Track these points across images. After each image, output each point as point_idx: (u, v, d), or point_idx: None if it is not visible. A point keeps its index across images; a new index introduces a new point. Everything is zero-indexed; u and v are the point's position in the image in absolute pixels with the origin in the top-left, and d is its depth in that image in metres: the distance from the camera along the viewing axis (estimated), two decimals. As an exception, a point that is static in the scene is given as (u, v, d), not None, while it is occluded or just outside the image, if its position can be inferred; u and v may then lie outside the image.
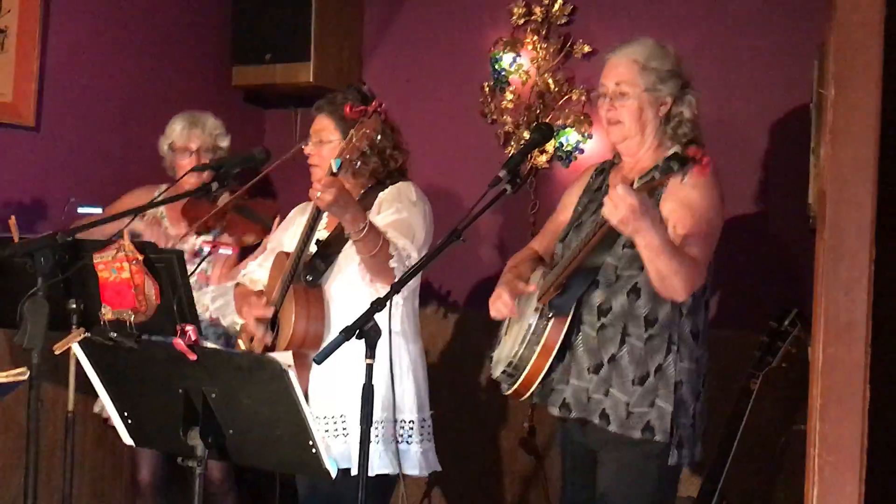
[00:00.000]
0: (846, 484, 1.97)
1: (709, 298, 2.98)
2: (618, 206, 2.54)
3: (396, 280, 2.74)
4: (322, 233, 3.27)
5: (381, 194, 3.24)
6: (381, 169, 3.25)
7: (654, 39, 2.98)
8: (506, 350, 3.00)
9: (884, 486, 2.13)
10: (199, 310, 3.47)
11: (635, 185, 2.60)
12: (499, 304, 2.96)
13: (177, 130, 4.04)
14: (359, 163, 3.06)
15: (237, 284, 3.45)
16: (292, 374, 2.23)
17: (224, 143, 4.07)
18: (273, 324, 3.22)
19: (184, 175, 3.66)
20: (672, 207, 2.80)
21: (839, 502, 1.98)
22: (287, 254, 3.27)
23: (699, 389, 2.91)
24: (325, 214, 3.21)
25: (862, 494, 1.90)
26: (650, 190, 2.63)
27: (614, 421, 2.83)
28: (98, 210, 3.53)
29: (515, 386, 2.93)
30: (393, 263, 3.01)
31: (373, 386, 2.51)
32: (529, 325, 2.90)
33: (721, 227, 2.87)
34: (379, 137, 3.08)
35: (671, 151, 2.71)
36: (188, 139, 4.01)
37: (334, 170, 2.95)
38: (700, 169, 2.53)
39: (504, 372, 2.95)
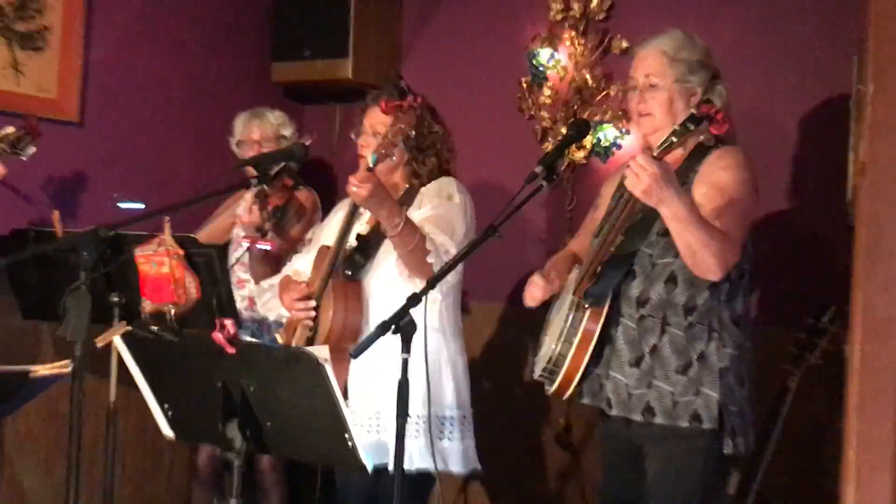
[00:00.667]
0: (882, 483, 1.95)
1: (748, 286, 2.95)
2: (640, 176, 2.53)
3: (431, 276, 2.74)
4: (363, 227, 3.28)
5: (422, 190, 3.25)
6: (436, 169, 3.27)
7: (682, 31, 2.96)
8: (545, 349, 2.99)
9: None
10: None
11: (655, 153, 2.59)
12: (531, 288, 2.95)
13: (239, 126, 4.15)
14: (393, 157, 3.07)
15: (283, 277, 3.46)
16: (328, 368, 2.24)
17: (287, 131, 4.13)
18: (314, 318, 3.24)
19: (219, 174, 3.69)
20: (704, 191, 2.79)
21: (875, 502, 1.96)
22: (328, 248, 3.28)
23: (744, 377, 2.87)
24: (365, 210, 3.22)
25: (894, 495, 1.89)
26: (683, 165, 2.62)
27: (660, 413, 2.80)
28: (140, 206, 3.57)
29: (557, 382, 2.89)
30: (431, 259, 3.02)
31: (408, 381, 2.51)
32: (566, 319, 2.88)
33: (755, 206, 2.85)
34: (413, 132, 3.09)
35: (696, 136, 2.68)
36: (250, 131, 4.10)
37: (370, 164, 2.96)
38: (715, 125, 2.52)
39: (545, 370, 2.92)
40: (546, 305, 3.05)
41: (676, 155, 2.63)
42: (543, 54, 4.36)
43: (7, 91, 3.95)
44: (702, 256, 2.64)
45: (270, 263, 3.64)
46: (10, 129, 3.18)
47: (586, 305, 2.84)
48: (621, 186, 3.07)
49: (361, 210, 3.24)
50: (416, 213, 3.14)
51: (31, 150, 3.23)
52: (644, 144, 3.07)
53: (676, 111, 2.89)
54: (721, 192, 2.77)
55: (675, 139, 2.56)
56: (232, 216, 4.03)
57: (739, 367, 2.86)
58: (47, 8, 4.07)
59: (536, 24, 4.44)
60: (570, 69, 4.33)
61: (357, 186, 2.89)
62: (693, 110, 2.65)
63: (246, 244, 3.59)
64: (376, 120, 3.23)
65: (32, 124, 3.22)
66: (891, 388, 2.00)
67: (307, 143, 3.47)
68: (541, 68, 4.38)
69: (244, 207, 3.57)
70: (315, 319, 3.21)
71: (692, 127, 2.54)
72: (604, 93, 4.27)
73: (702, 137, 2.69)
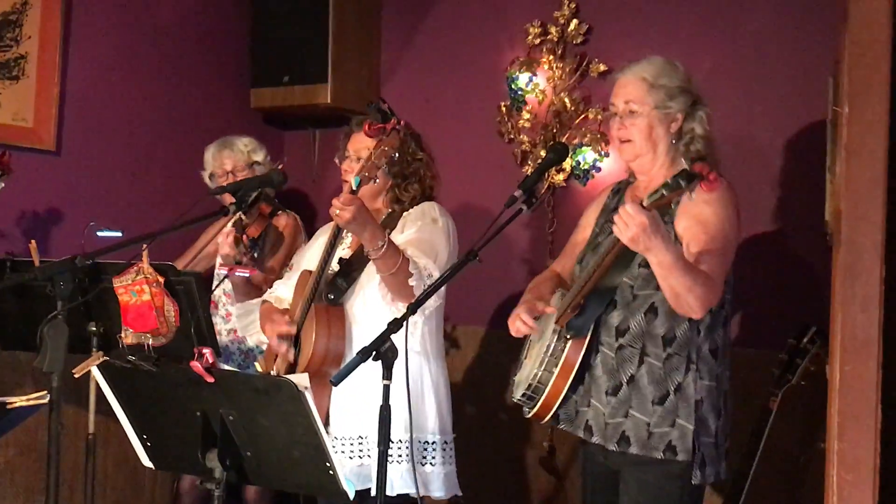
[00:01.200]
0: (864, 502, 1.96)
1: (728, 315, 2.96)
2: (628, 225, 2.54)
3: (414, 300, 2.75)
4: (345, 251, 3.29)
5: (405, 214, 3.26)
6: (419, 195, 3.27)
7: (663, 57, 2.97)
8: (525, 373, 2.99)
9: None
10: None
11: (645, 203, 2.60)
12: (518, 323, 2.94)
13: (209, 158, 4.12)
14: (376, 179, 3.07)
15: (263, 302, 3.46)
16: (308, 396, 2.24)
17: (259, 156, 4.09)
18: (296, 342, 3.23)
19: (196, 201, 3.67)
20: (686, 225, 2.80)
21: (858, 522, 1.97)
22: (310, 272, 3.27)
23: (720, 407, 2.89)
24: (348, 233, 3.22)
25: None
26: (661, 207, 2.63)
27: (635, 442, 2.81)
28: (118, 234, 3.55)
29: (536, 408, 2.91)
30: (413, 282, 3.02)
31: (390, 407, 2.51)
32: (548, 347, 2.89)
33: (737, 241, 2.86)
34: (397, 155, 3.10)
35: (680, 168, 2.70)
36: (221, 162, 4.07)
37: (353, 187, 2.97)
38: (707, 185, 2.53)
39: (524, 395, 2.93)
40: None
41: (659, 205, 2.64)
42: (522, 78, 4.38)
43: (-17, 120, 3.95)
44: (685, 299, 2.66)
45: (253, 291, 3.63)
46: None
47: (568, 336, 2.86)
48: (607, 211, 3.09)
49: (344, 234, 3.24)
50: (400, 237, 3.15)
51: (0, 185, 3.21)
52: (626, 170, 3.08)
53: (656, 137, 2.90)
54: (704, 228, 2.77)
55: (665, 192, 2.57)
56: (214, 244, 4.02)
57: (716, 398, 2.87)
58: (24, 37, 4.07)
59: (515, 48, 4.46)
60: (549, 93, 4.35)
61: (340, 209, 2.90)
62: (687, 167, 2.67)
63: (224, 272, 3.58)
64: (360, 144, 3.24)
65: (4, 161, 3.20)
66: (871, 408, 2.00)
67: (280, 166, 3.47)
68: (519, 92, 4.40)
69: (223, 237, 3.56)
70: (297, 345, 3.20)
71: (683, 184, 2.55)
72: (582, 116, 4.28)
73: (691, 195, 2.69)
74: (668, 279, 2.63)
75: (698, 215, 2.80)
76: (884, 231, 1.90)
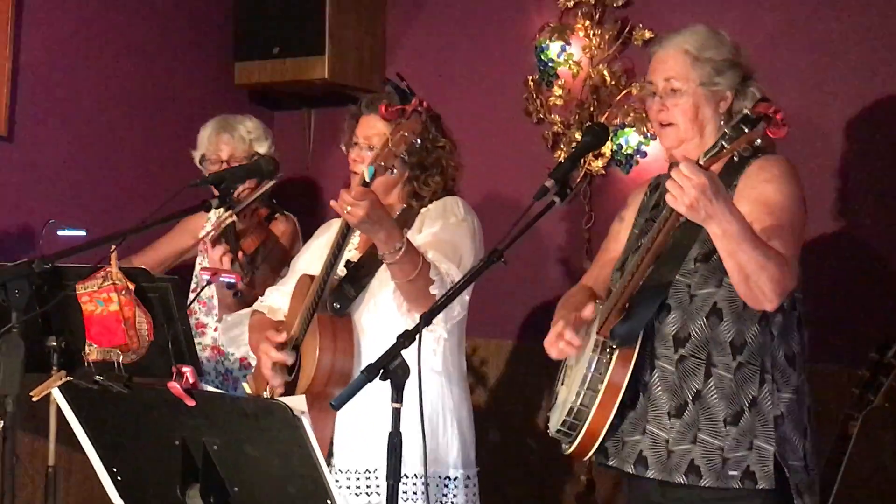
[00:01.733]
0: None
1: (801, 316, 2.93)
2: (684, 189, 2.50)
3: (427, 310, 2.73)
4: (353, 253, 3.29)
5: (423, 210, 3.25)
6: (441, 188, 3.28)
7: (706, 26, 2.97)
8: (562, 400, 2.96)
9: None
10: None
11: (702, 161, 2.56)
12: (561, 344, 2.87)
13: (204, 139, 4.10)
14: (393, 170, 3.04)
15: (254, 312, 3.46)
16: (306, 422, 2.24)
17: (262, 147, 4.07)
18: (295, 359, 3.22)
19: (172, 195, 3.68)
20: (747, 209, 2.75)
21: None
22: (312, 277, 3.26)
23: (805, 424, 2.85)
24: (356, 232, 3.22)
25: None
26: (722, 173, 2.62)
27: (707, 473, 2.76)
28: (81, 233, 3.56)
29: (577, 442, 2.83)
30: (434, 290, 2.99)
31: (401, 434, 2.50)
32: (589, 365, 2.85)
33: (805, 221, 2.84)
34: (419, 141, 3.08)
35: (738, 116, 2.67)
36: (217, 148, 4.05)
37: (367, 178, 2.94)
38: (774, 127, 2.51)
39: (563, 424, 2.88)
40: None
41: (719, 162, 2.62)
42: (553, 48, 4.38)
43: (-75, 102, 3.98)
44: (757, 281, 2.61)
45: (238, 303, 3.65)
46: None
47: (613, 346, 2.82)
48: (647, 208, 3.08)
49: (352, 233, 3.24)
50: (418, 237, 3.15)
51: None
52: (667, 159, 3.07)
53: (704, 119, 2.89)
54: (768, 208, 2.75)
55: (725, 144, 2.53)
56: (184, 239, 4.02)
57: (798, 414, 2.84)
58: (-30, 6, 4.10)
59: (544, 12, 4.47)
60: (585, 65, 4.36)
61: (352, 204, 2.87)
62: (747, 111, 2.64)
63: (206, 276, 3.59)
64: (372, 130, 3.24)
65: None
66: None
67: (269, 183, 3.47)
68: (550, 64, 4.40)
69: (214, 254, 3.57)
70: (296, 363, 3.20)
71: (746, 129, 2.53)
72: (625, 92, 4.29)
73: (758, 142, 2.67)
74: (736, 254, 2.59)
75: (759, 195, 2.78)
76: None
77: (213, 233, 3.62)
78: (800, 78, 3.80)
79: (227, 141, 4.04)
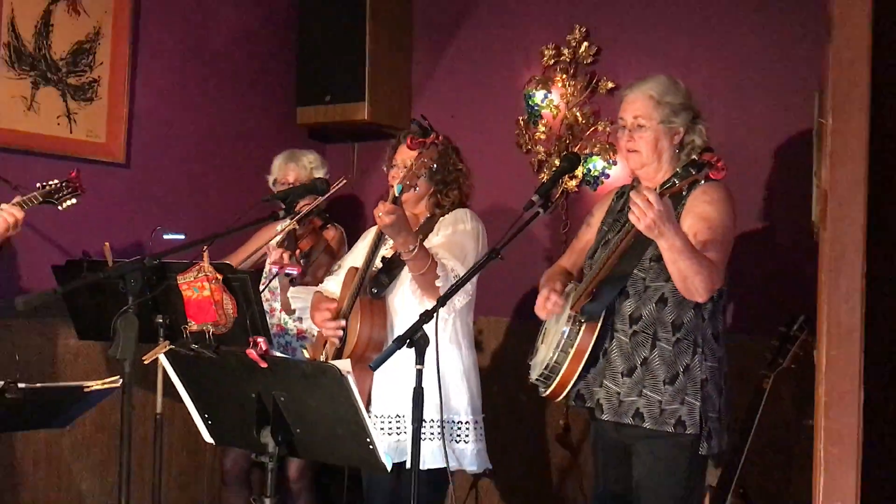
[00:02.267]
0: (848, 475, 1.95)
1: (725, 304, 2.96)
2: (645, 213, 2.53)
3: (440, 296, 2.75)
4: (388, 251, 3.29)
5: (441, 218, 3.27)
6: (457, 201, 3.29)
7: (667, 76, 2.97)
8: (541, 356, 3.00)
9: (880, 478, 2.11)
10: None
11: (658, 191, 2.59)
12: (549, 305, 2.94)
13: (276, 167, 4.12)
14: (416, 188, 3.08)
15: (315, 294, 3.46)
16: (351, 380, 2.25)
17: (319, 173, 4.05)
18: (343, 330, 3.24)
19: (249, 207, 3.68)
20: (691, 222, 2.80)
21: (842, 492, 1.96)
22: (356, 269, 3.29)
23: (722, 385, 2.88)
24: None
25: (859, 485, 1.88)
26: (673, 196, 2.63)
27: (648, 418, 2.81)
28: (181, 237, 3.57)
29: (551, 388, 2.92)
30: (439, 283, 3.02)
31: (423, 389, 2.52)
32: (563, 332, 2.89)
33: (734, 235, 2.85)
34: (435, 166, 3.11)
35: (687, 160, 2.70)
36: (285, 173, 4.07)
37: (396, 194, 2.98)
38: (716, 172, 2.53)
39: (541, 375, 2.95)
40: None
41: (671, 193, 2.64)
42: (538, 95, 4.37)
43: (62, 137, 3.98)
44: (692, 282, 2.66)
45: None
46: (53, 182, 3.19)
47: (583, 320, 2.85)
48: (612, 212, 3.09)
49: (385, 237, 3.26)
50: (434, 239, 3.16)
51: (70, 202, 3.23)
52: (631, 177, 3.08)
53: (661, 148, 2.90)
54: (707, 223, 2.78)
55: (677, 181, 2.58)
56: (264, 247, 4.03)
57: (718, 378, 2.87)
58: (97, 63, 4.11)
59: (531, 68, 4.46)
60: (562, 108, 4.34)
61: (383, 213, 2.92)
62: (695, 157, 2.67)
63: (275, 269, 3.61)
64: (405, 155, 3.25)
65: (76, 181, 3.23)
66: (855, 389, 1.99)
67: (342, 183, 3.47)
68: (536, 108, 4.39)
69: (275, 254, 3.58)
70: (344, 333, 3.22)
71: (693, 172, 2.55)
72: (592, 128, 4.27)
73: (701, 181, 2.69)
74: (678, 262, 2.63)
75: (701, 213, 2.81)
76: (864, 231, 1.90)
77: (278, 236, 3.63)
78: (727, 119, 3.79)
79: (293, 168, 4.06)
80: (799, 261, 3.69)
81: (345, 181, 3.53)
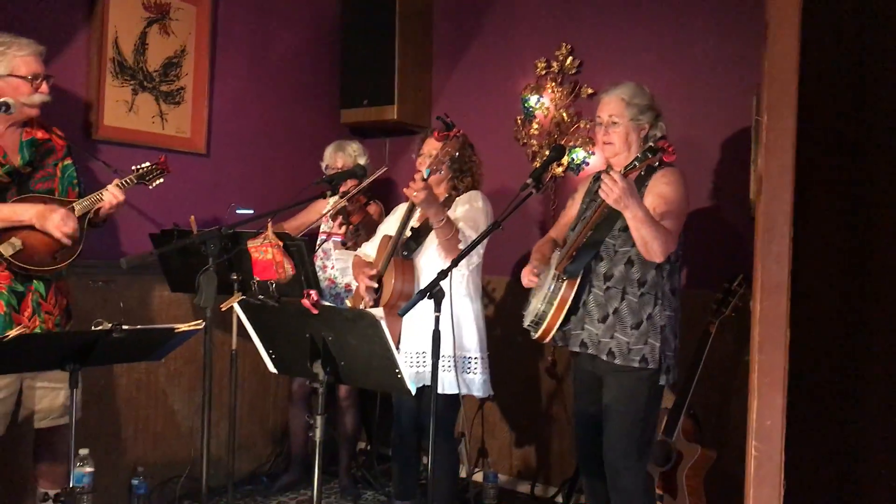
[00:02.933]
0: (776, 398, 1.95)
1: (681, 265, 2.95)
2: (612, 189, 2.53)
3: (453, 257, 2.75)
4: (415, 223, 3.30)
5: (458, 198, 3.27)
6: (471, 185, 3.28)
7: (635, 83, 2.95)
8: (532, 306, 3.00)
9: (801, 399, 2.11)
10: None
11: (623, 172, 2.59)
12: (526, 280, 2.97)
13: (327, 154, 4.13)
14: (441, 171, 3.08)
15: (355, 256, 3.49)
16: (384, 324, 2.26)
17: (362, 160, 4.05)
18: (378, 285, 3.26)
19: (304, 188, 3.67)
20: (651, 199, 2.79)
21: (771, 410, 1.96)
22: (390, 237, 3.30)
23: (677, 330, 2.89)
24: (418, 209, 3.23)
25: (784, 405, 1.89)
26: (636, 180, 2.61)
27: (619, 356, 2.81)
28: (250, 211, 3.58)
29: (540, 331, 2.93)
30: (460, 246, 3.03)
31: (440, 332, 2.53)
32: (549, 287, 2.90)
33: (686, 210, 2.84)
34: (457, 154, 3.11)
35: (646, 147, 2.68)
36: (335, 160, 4.08)
37: (425, 176, 2.98)
38: (668, 155, 2.52)
39: (532, 322, 2.95)
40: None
41: (633, 173, 2.64)
42: (532, 99, 4.34)
43: (156, 133, 3.99)
44: (651, 246, 2.65)
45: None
46: (145, 165, 3.18)
47: (564, 278, 2.86)
48: (590, 192, 3.08)
49: (416, 210, 3.26)
50: (452, 214, 3.16)
51: (159, 181, 3.21)
52: (606, 164, 3.06)
53: (631, 141, 2.89)
54: (664, 200, 2.77)
55: (637, 163, 2.56)
56: (312, 215, 4.02)
57: (674, 324, 2.87)
58: (183, 74, 4.10)
59: (527, 77, 4.42)
60: (552, 109, 4.31)
61: (417, 190, 2.92)
62: (652, 143, 2.65)
63: (324, 237, 3.62)
64: (431, 146, 3.26)
65: (164, 163, 3.23)
66: (781, 332, 1.99)
67: (384, 170, 3.48)
68: (530, 109, 4.36)
69: (331, 211, 3.59)
70: (379, 287, 3.23)
71: (650, 155, 2.54)
72: (575, 126, 4.25)
73: (656, 163, 2.68)
74: (640, 230, 2.62)
75: (659, 192, 2.79)
76: (791, 205, 1.88)
77: (331, 211, 3.63)
78: (682, 117, 3.76)
79: (340, 156, 4.07)
80: (739, 230, 3.68)
81: (385, 168, 3.53)
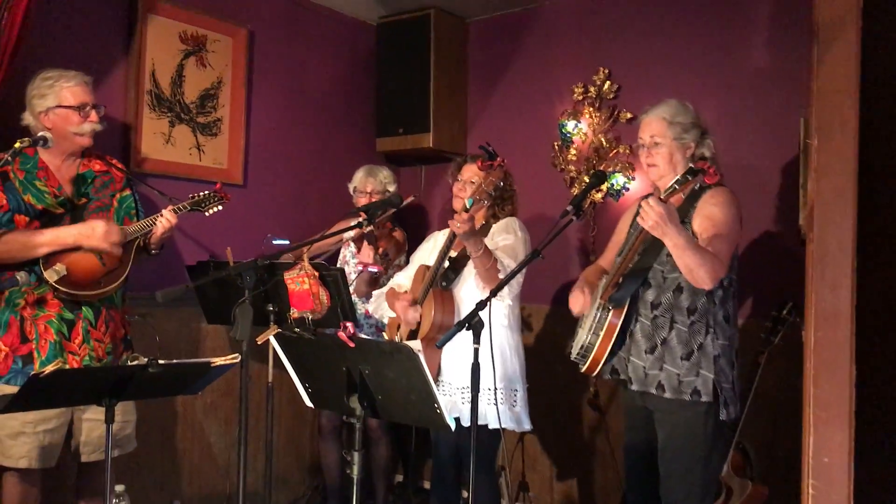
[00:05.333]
0: (836, 434, 1.87)
1: (736, 290, 2.84)
2: (649, 214, 2.46)
3: (493, 288, 2.70)
4: (453, 253, 3.27)
5: (494, 225, 3.23)
6: (509, 213, 3.25)
7: (677, 100, 2.88)
8: (578, 337, 2.92)
9: (868, 436, 2.02)
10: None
11: (662, 196, 2.52)
12: (578, 301, 2.90)
13: (359, 177, 4.10)
14: (485, 201, 3.05)
15: (389, 288, 3.46)
16: (422, 357, 2.22)
17: (392, 188, 4.05)
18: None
19: (341, 218, 3.67)
20: (700, 221, 2.71)
21: (830, 448, 1.88)
22: (427, 267, 3.27)
23: (734, 360, 2.77)
24: (456, 238, 3.20)
25: (852, 442, 1.80)
26: (684, 202, 2.55)
27: (668, 389, 2.71)
28: (286, 242, 3.58)
29: (587, 364, 2.82)
30: (500, 276, 2.98)
31: (479, 364, 2.48)
32: (595, 317, 2.82)
33: (738, 232, 2.75)
34: (502, 184, 3.07)
35: (686, 169, 2.61)
36: (365, 184, 4.05)
37: (467, 206, 2.95)
38: (709, 177, 2.45)
39: (579, 353, 2.85)
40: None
41: (674, 197, 2.57)
42: (570, 124, 4.31)
43: (193, 164, 4.03)
44: (697, 273, 2.56)
45: (372, 284, 3.65)
46: (204, 192, 3.19)
47: (610, 307, 2.78)
48: (635, 218, 3.01)
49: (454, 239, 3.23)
50: (491, 243, 3.12)
51: (216, 209, 3.21)
52: (651, 186, 3.00)
53: (676, 162, 2.81)
54: (713, 222, 2.69)
55: (677, 186, 2.49)
56: (337, 240, 4.00)
57: (729, 354, 2.75)
58: (220, 105, 4.14)
59: (564, 102, 4.40)
60: (590, 134, 4.28)
61: (460, 223, 2.89)
62: (691, 164, 2.58)
63: (360, 268, 3.60)
64: (470, 173, 3.24)
65: (222, 192, 3.25)
66: (841, 364, 1.91)
67: (410, 199, 3.47)
68: (568, 134, 4.33)
69: (363, 252, 3.57)
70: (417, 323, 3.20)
71: (690, 178, 2.47)
72: (614, 151, 4.20)
73: (697, 186, 2.62)
74: (683, 258, 2.54)
75: (708, 213, 2.71)
76: (853, 230, 1.81)
77: (354, 234, 3.61)
78: (730, 140, 3.71)
79: (371, 181, 4.05)
80: (790, 257, 3.59)
81: (413, 198, 3.52)
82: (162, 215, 2.99)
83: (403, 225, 4.19)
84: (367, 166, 4.13)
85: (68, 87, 2.90)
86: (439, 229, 3.38)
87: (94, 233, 2.85)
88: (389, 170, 4.16)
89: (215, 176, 4.08)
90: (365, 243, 3.56)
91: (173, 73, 3.94)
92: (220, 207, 3.22)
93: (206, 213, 3.18)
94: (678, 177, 2.49)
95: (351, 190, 4.13)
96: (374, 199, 3.95)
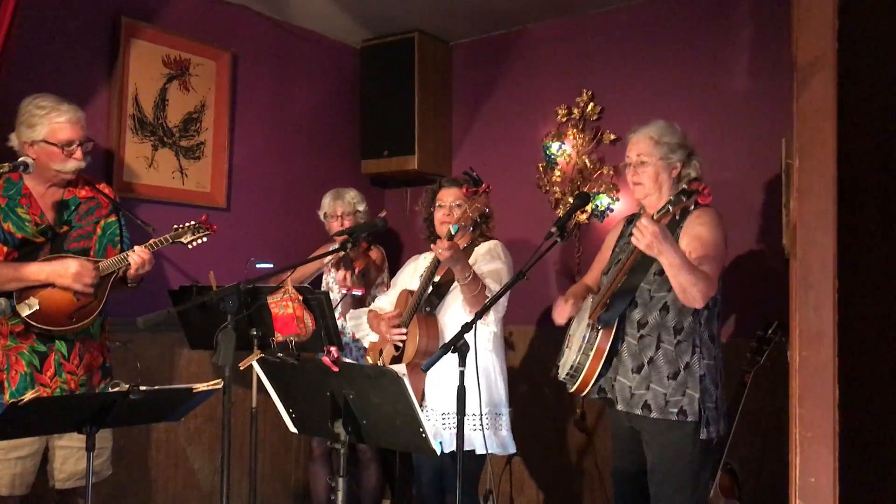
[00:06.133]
0: (821, 454, 1.86)
1: (720, 310, 2.86)
2: (644, 234, 2.46)
3: (477, 311, 2.69)
4: (436, 277, 3.26)
5: (476, 249, 3.22)
6: (487, 234, 3.24)
7: (665, 121, 2.89)
8: (566, 357, 2.91)
9: (853, 456, 2.02)
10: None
11: (655, 216, 2.52)
12: (559, 309, 2.89)
13: (327, 202, 4.08)
14: (470, 227, 3.04)
15: (370, 311, 3.44)
16: (406, 381, 2.20)
17: (361, 207, 4.04)
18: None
19: (324, 243, 3.66)
20: (687, 241, 2.71)
21: (815, 468, 1.88)
22: (410, 291, 3.25)
23: (718, 380, 2.77)
24: (440, 263, 3.19)
25: (836, 462, 1.80)
26: (670, 222, 2.54)
27: (655, 409, 2.71)
28: (270, 266, 3.56)
29: (577, 384, 2.81)
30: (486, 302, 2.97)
31: (465, 387, 2.46)
32: (584, 337, 2.81)
33: (725, 252, 2.76)
34: (487, 210, 3.07)
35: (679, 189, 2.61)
36: (335, 208, 4.03)
37: (452, 233, 2.94)
38: (703, 197, 2.45)
39: (568, 374, 2.84)
40: (566, 325, 2.98)
41: (666, 218, 2.57)
42: (554, 146, 4.34)
43: (176, 188, 4.01)
44: (690, 292, 2.57)
45: (357, 307, 3.63)
46: (188, 224, 3.13)
47: (599, 327, 2.77)
48: (624, 236, 3.02)
49: (439, 264, 3.21)
50: (475, 267, 3.10)
51: (199, 241, 3.13)
52: (637, 205, 3.01)
53: (661, 181, 2.83)
54: (700, 243, 2.70)
55: (670, 207, 2.49)
56: (316, 265, 3.97)
57: (714, 374, 2.76)
58: (203, 129, 4.14)
59: (548, 124, 4.42)
60: (574, 156, 4.30)
61: (444, 249, 2.88)
62: (685, 185, 2.59)
63: (344, 291, 3.58)
64: (450, 197, 3.22)
65: (208, 223, 3.20)
66: (825, 384, 1.91)
67: (383, 214, 3.46)
68: (552, 156, 4.36)
69: (338, 276, 3.57)
70: (403, 343, 3.17)
71: (685, 198, 2.47)
72: (598, 172, 4.23)
73: (691, 207, 2.63)
74: (678, 277, 2.54)
75: (696, 233, 2.72)
76: (835, 251, 1.82)
77: (332, 259, 3.60)
78: (713, 160, 3.69)
79: (339, 204, 4.03)
80: (773, 277, 3.60)
81: (384, 212, 3.51)
82: (134, 251, 2.95)
83: (386, 244, 4.17)
84: (333, 190, 4.11)
85: (58, 123, 2.86)
86: (422, 252, 3.37)
87: (66, 272, 2.81)
88: (357, 191, 4.14)
89: (198, 200, 4.06)
90: (342, 267, 3.55)
91: (156, 97, 3.93)
92: (205, 240, 3.17)
93: (189, 246, 3.14)
94: (672, 197, 2.50)
95: (322, 216, 4.11)
96: (345, 222, 3.94)
